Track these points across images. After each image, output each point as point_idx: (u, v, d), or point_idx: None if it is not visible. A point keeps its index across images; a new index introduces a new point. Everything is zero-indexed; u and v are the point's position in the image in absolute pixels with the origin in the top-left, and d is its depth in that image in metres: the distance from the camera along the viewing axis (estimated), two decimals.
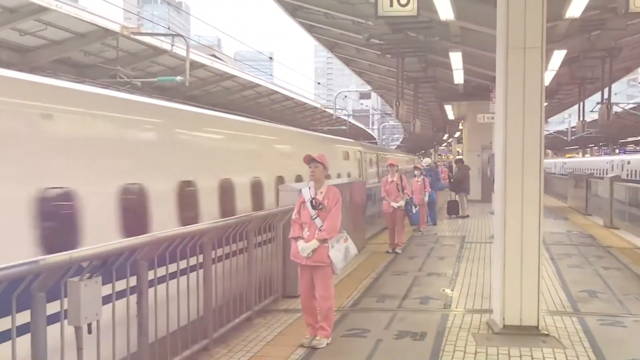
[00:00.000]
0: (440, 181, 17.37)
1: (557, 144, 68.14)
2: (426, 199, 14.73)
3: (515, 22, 5.92)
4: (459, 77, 18.13)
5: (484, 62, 16.05)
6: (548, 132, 56.10)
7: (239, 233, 6.25)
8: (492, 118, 15.62)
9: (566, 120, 63.43)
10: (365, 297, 7.67)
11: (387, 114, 54.68)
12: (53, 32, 15.72)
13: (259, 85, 27.85)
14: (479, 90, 21.26)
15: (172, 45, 18.68)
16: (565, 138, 52.41)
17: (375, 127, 69.44)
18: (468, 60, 16.02)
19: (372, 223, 13.67)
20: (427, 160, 19.91)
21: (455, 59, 15.53)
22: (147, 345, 4.47)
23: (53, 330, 3.59)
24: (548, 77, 15.88)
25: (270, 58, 34.84)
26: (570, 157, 68.69)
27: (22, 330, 3.39)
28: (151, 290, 4.58)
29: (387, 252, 11.25)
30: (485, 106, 20.01)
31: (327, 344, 5.59)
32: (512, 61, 5.95)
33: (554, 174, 42.29)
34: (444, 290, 7.99)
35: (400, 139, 79.25)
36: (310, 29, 18.56)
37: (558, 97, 24.72)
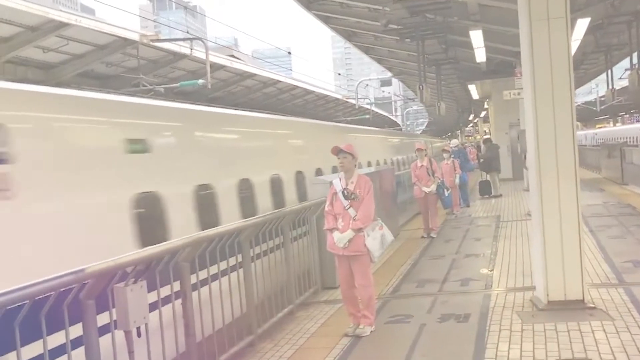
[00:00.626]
0: (469, 162, 17.18)
1: (585, 116, 66.68)
2: (457, 181, 14.59)
3: None
4: (480, 56, 17.83)
5: (505, 38, 15.78)
6: (576, 104, 54.75)
7: (274, 229, 6.29)
8: (519, 94, 15.34)
9: (594, 90, 61.99)
10: (405, 283, 7.66)
11: (409, 99, 54.22)
12: (75, 47, 15.97)
13: (280, 81, 27.88)
14: (502, 67, 20.91)
15: (192, 49, 18.82)
16: (594, 109, 51.27)
17: (399, 113, 68.96)
18: (489, 37, 15.75)
19: (404, 210, 13.61)
20: (454, 142, 19.69)
21: (476, 37, 15.28)
22: (194, 345, 4.54)
23: (104, 340, 3.67)
24: (572, 47, 15.52)
25: (289, 53, 34.81)
26: (601, 127, 67.17)
27: (75, 344, 3.46)
28: (195, 291, 4.65)
29: (422, 237, 11.19)
30: (510, 82, 19.65)
31: (371, 331, 5.60)
32: (537, 34, 5.84)
33: (585, 145, 41.44)
34: (483, 271, 7.92)
35: (425, 123, 78.61)
36: (326, 21, 18.49)
37: (584, 67, 24.18)
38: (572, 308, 5.72)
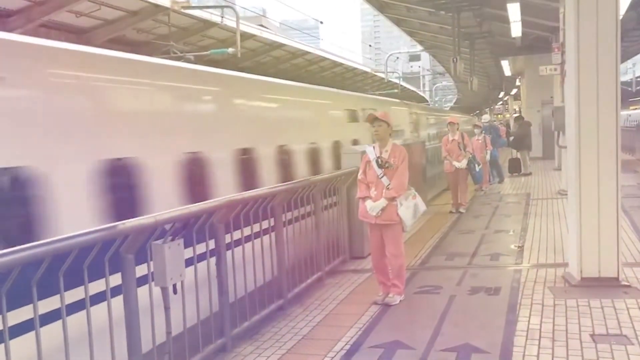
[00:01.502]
0: (500, 138, 16.91)
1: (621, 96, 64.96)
2: (488, 157, 14.40)
3: None
4: (516, 30, 17.38)
5: (543, 13, 15.36)
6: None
7: (305, 196, 6.29)
8: (556, 69, 14.94)
9: (629, 70, 60.26)
10: (434, 255, 7.63)
11: (439, 74, 53.38)
12: (107, 12, 16.01)
13: (309, 52, 27.66)
14: (538, 42, 20.38)
15: (222, 17, 18.74)
16: (629, 89, 49.90)
17: (427, 89, 68.05)
18: (526, 11, 15.33)
19: (432, 185, 13.51)
20: (485, 117, 19.37)
21: (513, 10, 14.87)
22: (227, 305, 4.60)
23: (142, 291, 3.74)
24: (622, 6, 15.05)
25: (321, 22, 34.35)
26: (636, 108, 65.48)
27: (114, 291, 3.54)
28: (229, 253, 4.69)
29: (451, 212, 11.11)
30: (545, 59, 19.08)
31: (400, 300, 5.61)
32: (584, 6, 5.65)
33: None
34: (513, 247, 7.84)
35: (454, 100, 77.50)
36: None
37: (623, 44, 23.35)
38: (606, 285, 5.64)
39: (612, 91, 5.69)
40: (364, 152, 6.02)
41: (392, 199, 5.58)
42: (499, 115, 52.53)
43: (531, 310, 5.16)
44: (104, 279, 3.41)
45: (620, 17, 14.81)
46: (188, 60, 18.13)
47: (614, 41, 5.64)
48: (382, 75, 38.31)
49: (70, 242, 3.07)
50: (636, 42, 23.21)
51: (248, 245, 5.09)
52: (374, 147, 5.84)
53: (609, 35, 5.64)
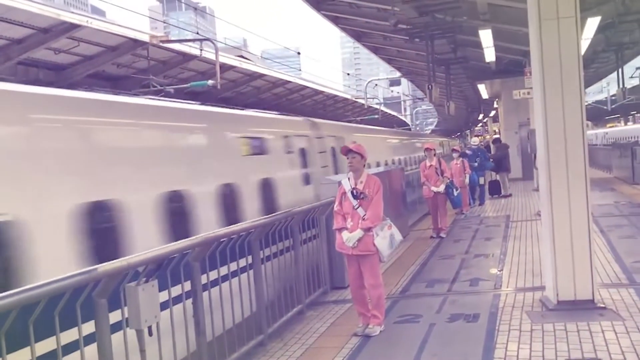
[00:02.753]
0: (488, 161, 17.05)
1: (596, 115, 66.23)
2: (467, 181, 14.56)
3: None
4: (490, 55, 17.76)
5: (515, 38, 15.69)
6: (586, 103, 54.39)
7: (284, 229, 6.32)
8: (529, 93, 15.25)
9: (604, 89, 61.51)
10: (414, 283, 7.67)
11: (418, 98, 54.07)
12: (85, 48, 16.08)
13: (289, 81, 27.92)
14: (512, 66, 20.81)
15: (201, 50, 18.91)
16: (604, 108, 50.88)
17: (408, 112, 68.74)
18: (499, 37, 15.69)
19: (414, 210, 13.60)
20: (475, 140, 19.61)
21: (485, 36, 15.22)
22: (205, 344, 4.58)
23: (116, 336, 3.72)
24: (583, 46, 15.40)
25: (298, 53, 34.78)
26: (612, 126, 66.67)
27: (87, 340, 3.51)
28: (206, 291, 4.69)
29: (432, 237, 11.19)
30: (519, 82, 19.56)
31: (381, 331, 5.62)
32: (546, 33, 5.83)
33: (596, 145, 41.17)
34: (493, 271, 7.91)
35: (435, 123, 78.36)
36: (335, 21, 18.50)
37: (594, 66, 23.99)
38: (582, 308, 5.71)
39: (578, 114, 5.85)
40: (339, 183, 6.08)
41: (368, 229, 5.63)
42: (479, 137, 53.11)
43: (509, 336, 5.20)
44: (76, 328, 3.39)
45: (589, 40, 15.18)
46: (168, 94, 18.29)
47: (577, 66, 5.82)
48: (363, 101, 38.70)
49: (39, 291, 3.06)
50: (606, 63, 23.76)
51: (226, 283, 5.09)
52: (349, 178, 5.92)
53: (572, 60, 5.81)
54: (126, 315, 3.83)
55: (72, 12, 14.72)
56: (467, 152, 17.10)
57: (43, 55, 15.41)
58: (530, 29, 6.09)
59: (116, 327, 3.73)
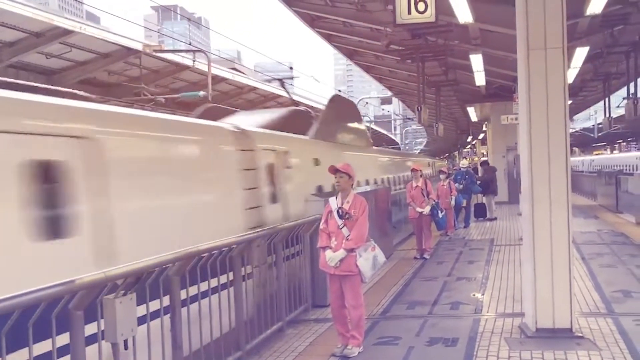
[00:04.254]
0: (475, 184, 17.13)
1: (583, 142, 67.11)
2: (453, 202, 14.63)
3: (535, 23, 5.90)
4: (480, 79, 18.00)
5: (505, 63, 15.93)
6: (574, 130, 55.25)
7: (268, 245, 6.31)
8: (516, 119, 15.44)
9: (592, 117, 62.42)
10: (395, 304, 7.66)
11: (409, 118, 54.49)
12: (78, 54, 16.09)
13: (281, 96, 28.01)
14: (501, 91, 21.08)
15: (194, 60, 18.96)
16: (591, 135, 51.56)
17: (398, 132, 69.21)
18: (489, 61, 15.92)
19: (399, 229, 13.63)
20: (464, 162, 19.73)
21: (476, 61, 15.44)
22: (182, 359, 4.54)
23: (91, 349, 3.68)
24: (571, 75, 15.65)
25: (291, 68, 34.90)
26: (598, 154, 67.50)
27: (61, 352, 3.48)
28: (184, 305, 4.66)
29: (415, 257, 11.21)
30: (508, 107, 19.83)
31: (359, 352, 5.60)
32: (534, 63, 5.93)
33: (582, 171, 41.62)
34: (474, 295, 7.93)
35: (424, 143, 78.85)
36: (328, 38, 18.67)
37: (582, 94, 24.36)
38: (560, 336, 5.74)
39: (562, 142, 5.91)
40: (327, 202, 6.09)
41: (351, 250, 5.64)
42: (467, 159, 53.50)
43: None
44: (49, 340, 3.36)
45: (578, 69, 15.38)
46: (158, 103, 18.28)
47: (562, 96, 5.90)
48: None
49: (13, 302, 3.03)
50: (594, 92, 24.12)
51: (205, 298, 5.06)
52: (336, 197, 5.93)
53: (558, 89, 5.90)
54: (102, 327, 3.80)
55: (66, 18, 14.71)
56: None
57: (34, 59, 15.40)
58: (518, 56, 6.19)
59: (90, 339, 3.69)
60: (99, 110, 5.60)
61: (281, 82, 17.66)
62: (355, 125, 16.32)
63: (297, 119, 12.21)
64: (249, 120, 10.34)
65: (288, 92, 17.83)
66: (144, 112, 7.76)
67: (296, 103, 15.30)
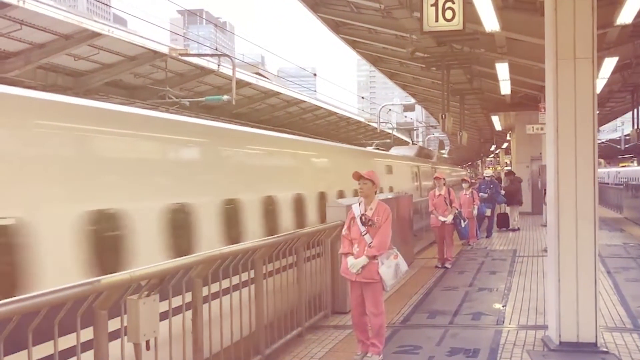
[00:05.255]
0: (500, 194, 16.93)
1: (609, 153, 66.00)
2: (475, 212, 14.50)
3: (564, 32, 5.83)
4: (505, 88, 17.82)
5: (531, 72, 15.75)
6: (600, 141, 54.37)
7: (288, 249, 6.31)
8: (542, 129, 15.25)
9: (619, 128, 61.40)
10: (416, 313, 7.60)
11: (432, 126, 54.15)
12: (105, 56, 16.33)
13: (304, 101, 28.11)
14: (527, 100, 20.85)
15: (219, 65, 19.11)
16: (618, 147, 50.71)
17: (420, 139, 68.70)
18: (515, 70, 15.75)
19: (420, 237, 13.55)
20: (488, 172, 19.58)
21: (502, 70, 15.29)
22: None
23: (114, 347, 3.72)
24: (599, 86, 15.41)
25: (314, 75, 35.08)
26: (624, 165, 66.34)
27: (85, 346, 3.52)
28: (205, 307, 4.68)
29: (437, 266, 11.12)
30: (534, 116, 19.59)
31: None
32: (562, 73, 5.85)
33: (608, 183, 40.91)
34: (496, 306, 7.84)
35: (447, 151, 78.27)
36: (353, 45, 18.65)
37: (610, 104, 24.00)
38: (584, 350, 5.63)
39: (590, 153, 5.82)
40: (350, 208, 6.08)
41: (374, 257, 5.61)
42: (490, 168, 53.08)
43: None
44: (74, 334, 3.40)
45: (606, 79, 15.18)
46: (183, 106, 18.48)
47: (591, 106, 5.82)
48: (376, 125, 38.82)
49: (40, 299, 3.07)
50: (622, 102, 23.75)
51: (226, 299, 5.08)
52: (359, 204, 5.91)
53: (587, 100, 5.81)
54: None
55: (95, 21, 14.94)
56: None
57: (63, 60, 15.66)
58: (546, 66, 6.11)
59: (110, 338, 3.72)
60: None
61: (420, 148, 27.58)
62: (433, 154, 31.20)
63: (422, 151, 26.38)
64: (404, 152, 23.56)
65: (412, 139, 31.63)
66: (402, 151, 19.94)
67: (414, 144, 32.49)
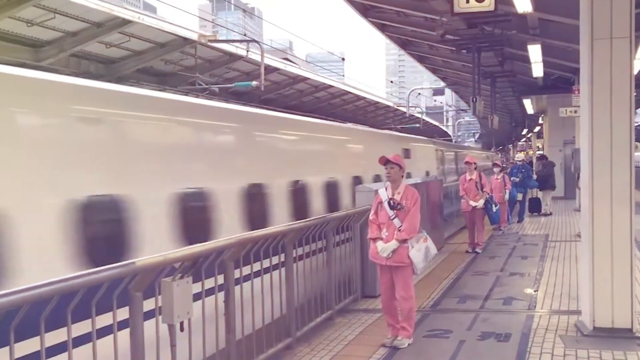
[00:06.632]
0: (532, 179, 16.70)
1: None
2: (507, 197, 14.33)
3: (601, 11, 5.66)
4: (538, 70, 17.45)
5: (565, 54, 15.37)
6: (636, 124, 52.95)
7: (318, 234, 6.35)
8: (576, 111, 14.92)
9: None
10: (446, 297, 7.58)
11: (462, 110, 53.48)
12: (136, 43, 16.50)
13: (332, 86, 28.01)
14: (559, 82, 20.38)
15: (248, 50, 19.16)
16: None
17: (450, 123, 68.03)
18: (548, 52, 15.40)
19: (450, 222, 13.46)
20: (519, 156, 19.34)
21: (534, 51, 14.96)
22: (234, 343, 4.64)
23: (149, 326, 3.81)
24: (637, 66, 14.98)
25: (342, 59, 34.79)
26: None
27: (120, 325, 3.61)
28: (237, 289, 4.75)
29: (467, 251, 11.05)
30: (567, 99, 19.16)
31: (409, 344, 5.58)
32: (598, 53, 5.70)
33: None
34: (528, 291, 7.76)
35: (477, 135, 77.32)
36: (382, 28, 18.46)
37: None
38: (619, 336, 5.55)
39: (626, 135, 5.68)
40: (376, 192, 6.07)
41: (404, 241, 5.60)
42: (522, 152, 52.24)
43: (540, 359, 5.10)
44: (110, 313, 3.49)
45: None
46: (212, 92, 18.61)
47: (628, 88, 5.66)
48: (405, 109, 38.50)
49: (78, 281, 3.16)
50: None
51: (257, 282, 5.14)
52: (386, 188, 5.89)
53: (624, 81, 5.66)
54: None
55: (125, 8, 15.10)
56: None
57: (95, 48, 15.89)
58: (581, 47, 5.97)
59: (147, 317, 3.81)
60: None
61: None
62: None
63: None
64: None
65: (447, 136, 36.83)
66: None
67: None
